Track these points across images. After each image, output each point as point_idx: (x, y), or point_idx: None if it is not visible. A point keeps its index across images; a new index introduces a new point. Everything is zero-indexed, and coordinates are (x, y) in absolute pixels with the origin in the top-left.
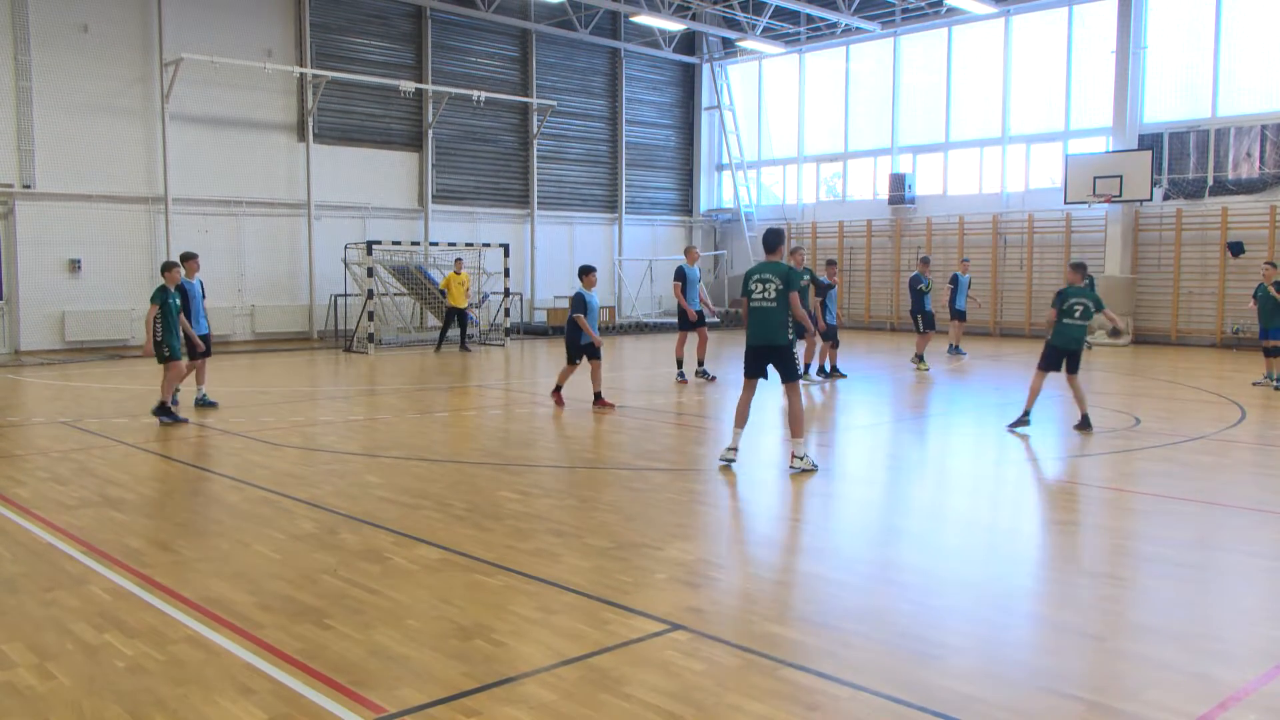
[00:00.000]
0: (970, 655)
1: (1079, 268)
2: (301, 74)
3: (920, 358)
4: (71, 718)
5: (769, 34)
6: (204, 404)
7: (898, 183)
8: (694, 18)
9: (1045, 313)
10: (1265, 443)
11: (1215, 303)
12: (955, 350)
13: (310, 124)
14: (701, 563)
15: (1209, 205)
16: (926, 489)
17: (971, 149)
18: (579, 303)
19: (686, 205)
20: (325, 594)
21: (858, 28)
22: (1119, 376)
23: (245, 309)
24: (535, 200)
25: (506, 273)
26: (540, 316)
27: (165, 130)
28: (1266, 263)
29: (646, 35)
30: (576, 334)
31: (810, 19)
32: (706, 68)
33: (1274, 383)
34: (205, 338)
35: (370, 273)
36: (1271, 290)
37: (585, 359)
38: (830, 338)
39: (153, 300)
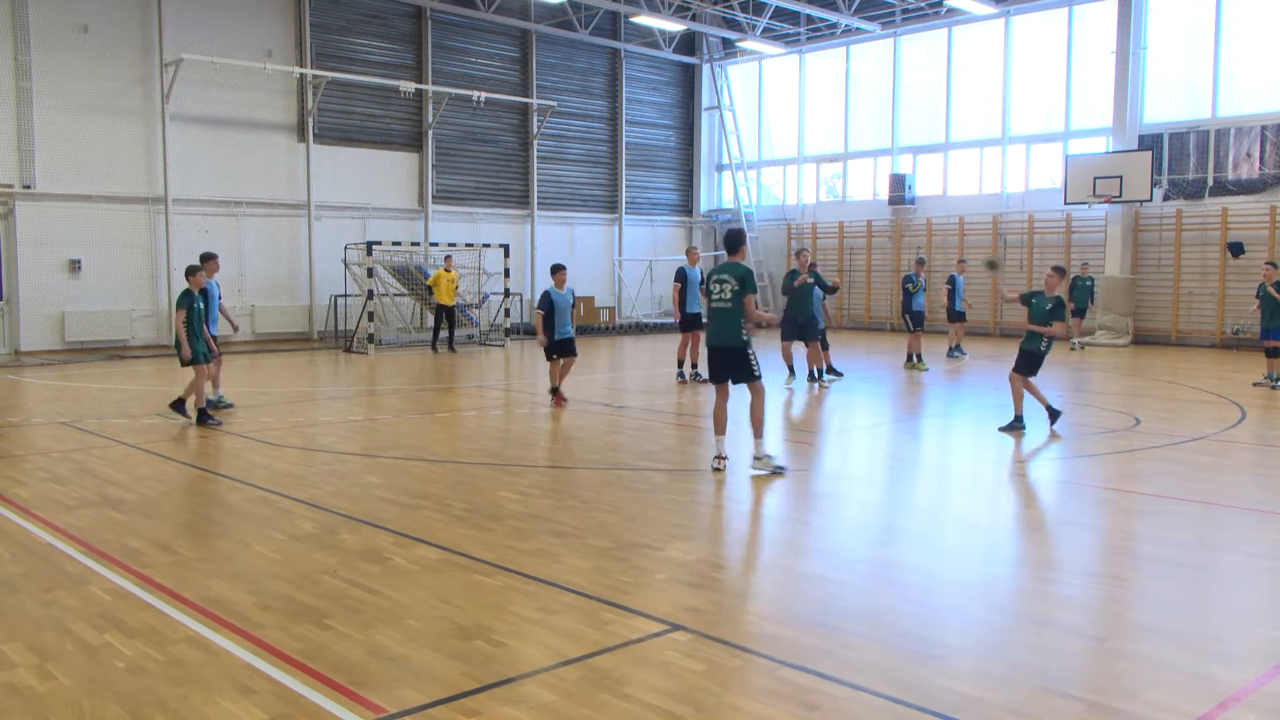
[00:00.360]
0: (970, 655)
1: (1059, 271)
2: (301, 74)
3: (917, 357)
4: (71, 718)
5: (769, 34)
6: (219, 405)
7: (898, 183)
8: (694, 18)
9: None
10: (1265, 443)
11: (1215, 303)
12: (956, 351)
13: (310, 124)
14: (701, 563)
15: (1209, 206)
16: (926, 489)
17: (971, 149)
18: (543, 300)
19: (686, 206)
20: (325, 594)
21: (858, 28)
22: (1119, 376)
23: (245, 309)
24: (535, 200)
25: (506, 273)
26: None
27: (165, 130)
28: (1267, 263)
29: (646, 35)
30: (549, 331)
31: (810, 19)
32: (706, 68)
33: (1274, 383)
34: (214, 339)
35: (370, 273)
36: (1272, 290)
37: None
38: (818, 339)
39: (179, 305)
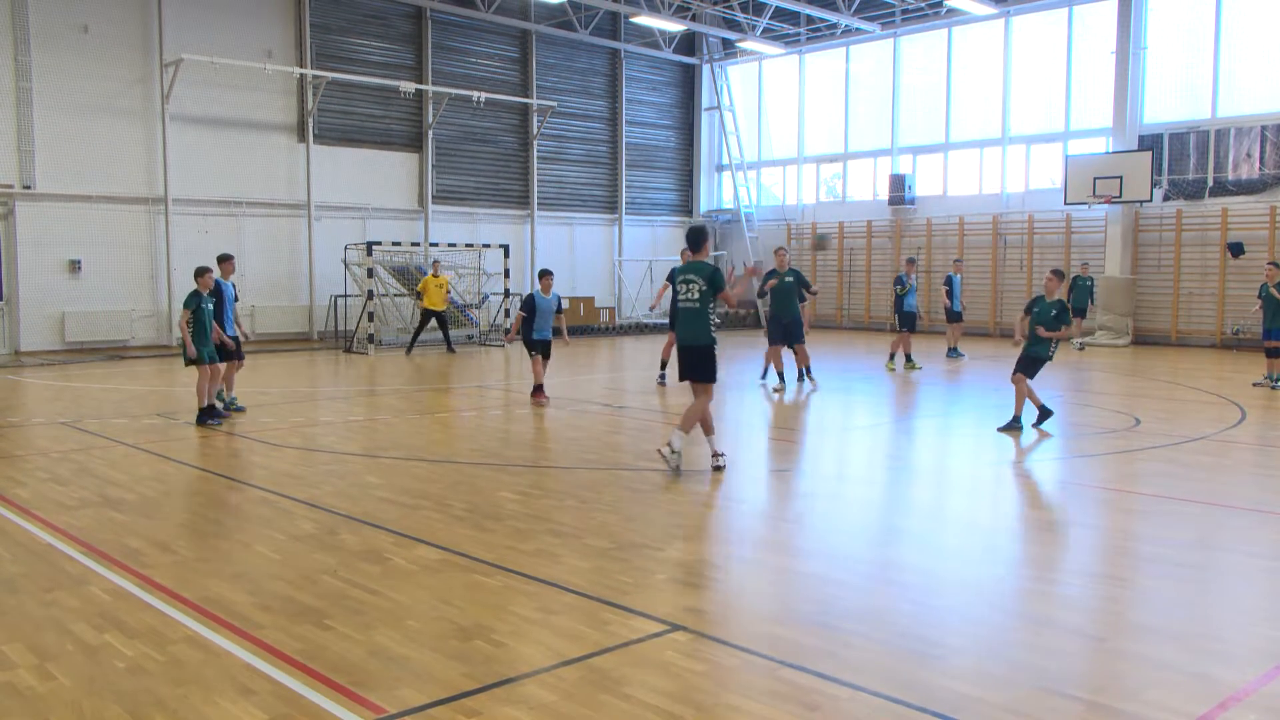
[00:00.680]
0: (970, 655)
1: (1058, 274)
2: (301, 75)
3: (908, 357)
4: (71, 718)
5: (769, 35)
6: (230, 407)
7: (898, 183)
8: (694, 18)
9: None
10: (1265, 443)
11: (1215, 303)
12: (954, 353)
13: (310, 124)
14: (701, 563)
15: (1209, 206)
16: (926, 489)
17: (971, 150)
18: (526, 302)
19: (686, 206)
20: (325, 594)
21: (857, 28)
22: (1119, 377)
23: (245, 309)
24: (535, 201)
25: (506, 273)
26: None
27: (165, 131)
28: (1269, 263)
29: (646, 36)
30: (528, 331)
31: (810, 20)
32: (706, 68)
33: (1274, 383)
34: (234, 340)
35: (370, 273)
36: (1273, 290)
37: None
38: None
39: (185, 305)
